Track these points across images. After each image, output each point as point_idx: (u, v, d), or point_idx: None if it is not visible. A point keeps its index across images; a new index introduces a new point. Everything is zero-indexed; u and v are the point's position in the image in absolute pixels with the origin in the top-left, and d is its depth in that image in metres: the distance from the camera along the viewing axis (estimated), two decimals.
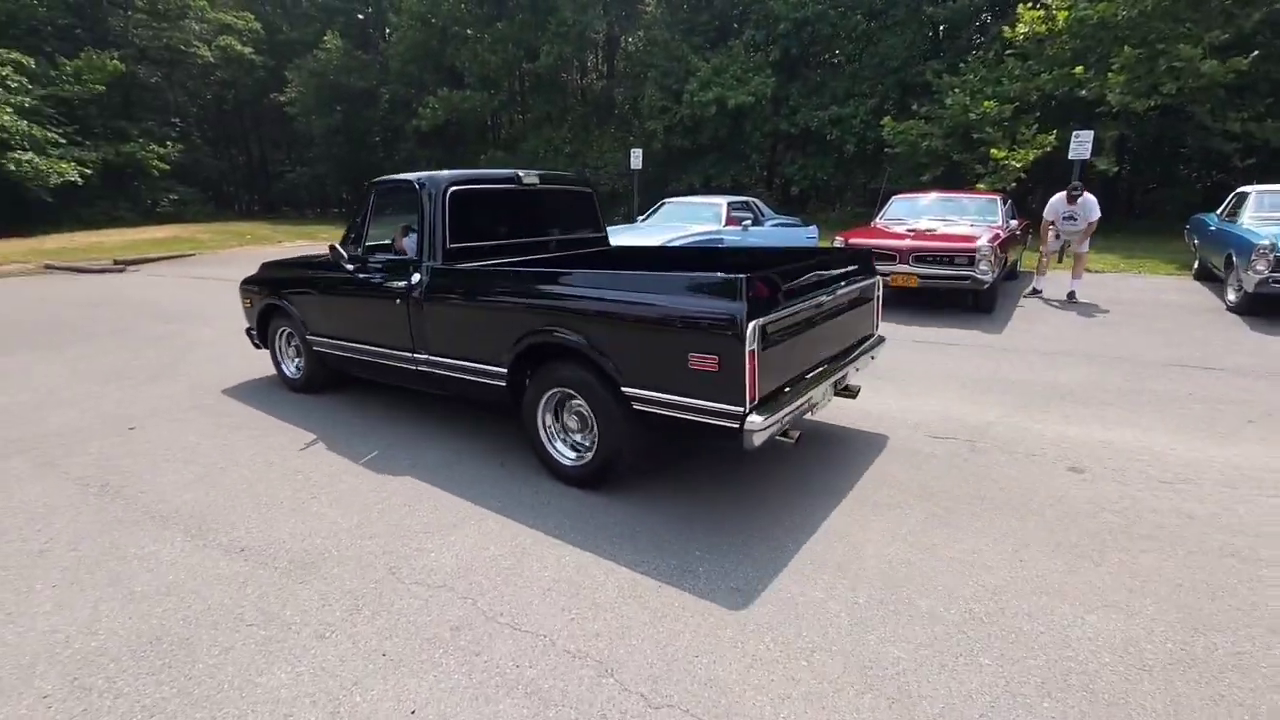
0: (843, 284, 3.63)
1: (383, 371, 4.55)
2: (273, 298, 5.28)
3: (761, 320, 2.76)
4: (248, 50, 32.43)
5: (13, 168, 19.78)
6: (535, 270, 3.75)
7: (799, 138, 23.07)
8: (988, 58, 17.96)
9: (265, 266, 5.61)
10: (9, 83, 20.46)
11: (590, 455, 3.42)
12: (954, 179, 16.88)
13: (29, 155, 20.44)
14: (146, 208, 28.50)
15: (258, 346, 5.74)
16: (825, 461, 3.77)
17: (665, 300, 2.97)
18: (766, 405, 2.87)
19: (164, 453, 4.07)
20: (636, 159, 16.87)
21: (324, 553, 2.90)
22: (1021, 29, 15.68)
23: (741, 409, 2.75)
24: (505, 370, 3.61)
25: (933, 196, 9.88)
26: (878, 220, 9.53)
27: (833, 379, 3.46)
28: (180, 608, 2.52)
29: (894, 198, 10.01)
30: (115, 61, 25.17)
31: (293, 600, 2.56)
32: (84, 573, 2.76)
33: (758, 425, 2.74)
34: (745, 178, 23.48)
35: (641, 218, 11.42)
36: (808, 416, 3.41)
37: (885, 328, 4.61)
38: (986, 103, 15.84)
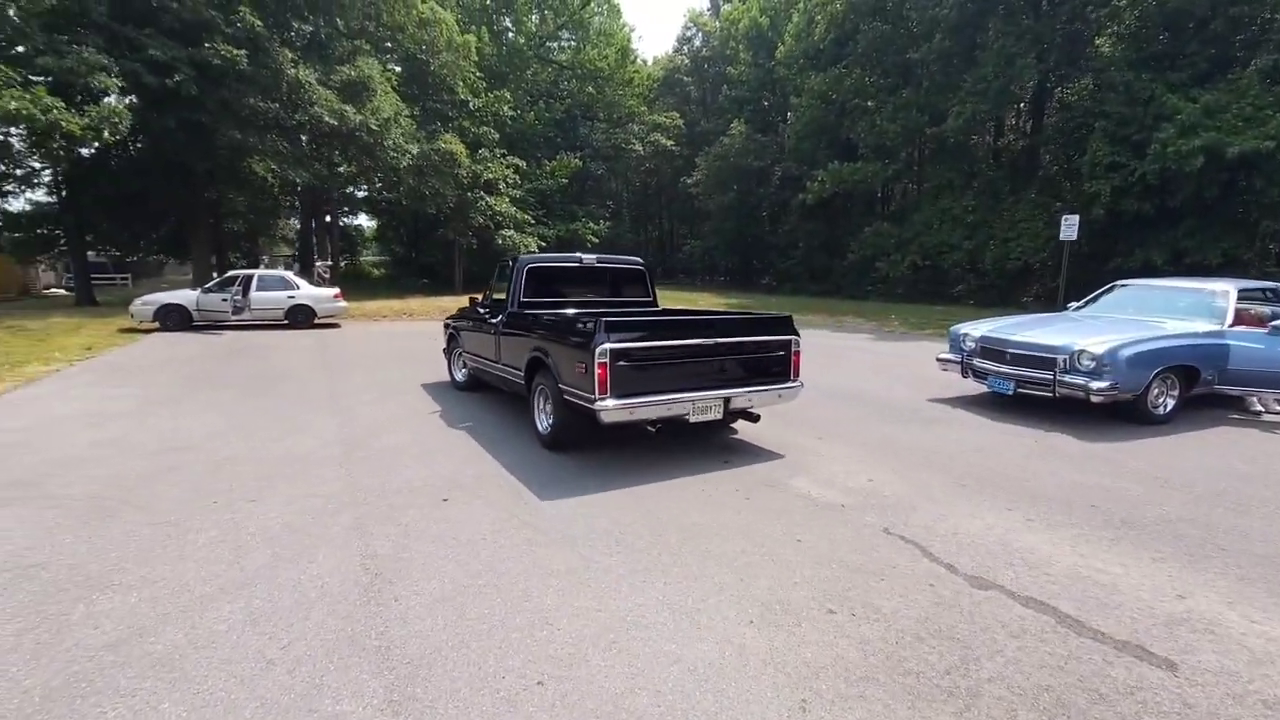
0: (725, 335, 5.19)
1: (488, 376, 7.00)
2: (453, 329, 8.21)
3: (609, 345, 4.56)
4: (670, 143, 37.90)
5: (500, 241, 26.40)
6: (533, 315, 5.93)
7: None
8: None
9: (457, 310, 8.40)
10: (508, 180, 27.58)
11: (550, 428, 5.37)
12: None
13: (511, 232, 27.08)
14: None
15: (448, 360, 8.48)
16: None
17: (571, 333, 5.01)
18: (618, 399, 4.61)
19: (450, 541, 3.67)
20: (1070, 228, 13.20)
21: None
22: None
23: (594, 396, 4.58)
24: (523, 372, 5.72)
25: None
26: None
27: (714, 398, 5.02)
28: None
29: None
30: (576, 160, 31.98)
31: None
32: None
33: (606, 408, 4.56)
34: (1243, 252, 16.68)
35: (1076, 305, 8.36)
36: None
37: None
38: None
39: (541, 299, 6.56)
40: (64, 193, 20.86)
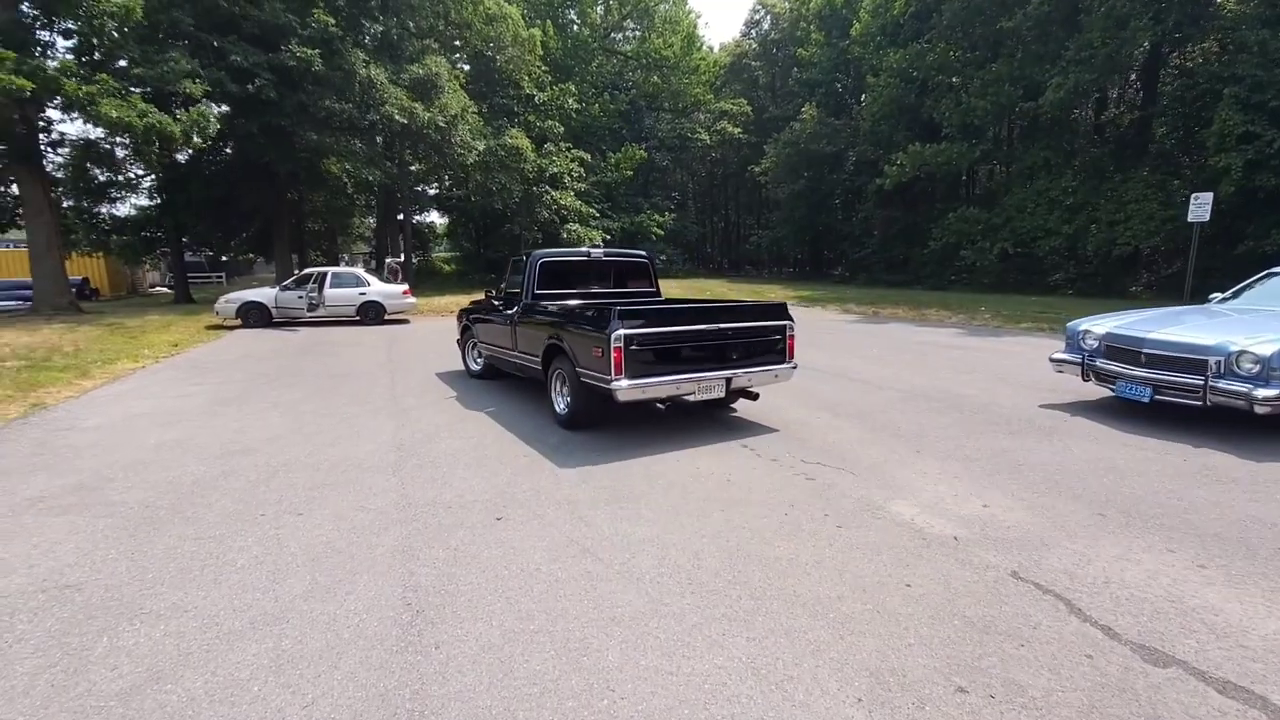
0: (726, 321, 5.61)
1: (505, 364, 7.42)
2: (467, 321, 8.64)
3: (622, 331, 5.02)
4: (737, 131, 36.82)
5: (565, 235, 26.32)
6: (549, 307, 6.47)
7: None
8: None
9: (469, 304, 9.01)
10: (573, 174, 27.42)
11: (568, 409, 5.86)
12: None
13: (576, 226, 26.94)
14: None
15: (462, 351, 8.95)
16: None
17: (588, 321, 5.48)
18: (631, 379, 5.07)
19: (501, 572, 3.27)
20: (1201, 207, 11.62)
21: None
22: None
23: (609, 377, 5.04)
24: (540, 358, 6.23)
25: None
26: None
27: (717, 378, 5.45)
28: None
29: None
30: (642, 152, 31.51)
31: None
32: None
33: (621, 387, 5.04)
34: None
35: (1221, 296, 7.19)
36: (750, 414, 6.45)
37: None
38: None
39: (553, 290, 7.02)
40: (163, 197, 22.19)
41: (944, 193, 29.63)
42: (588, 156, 28.90)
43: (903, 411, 6.57)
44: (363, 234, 42.84)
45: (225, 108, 19.43)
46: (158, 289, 34.69)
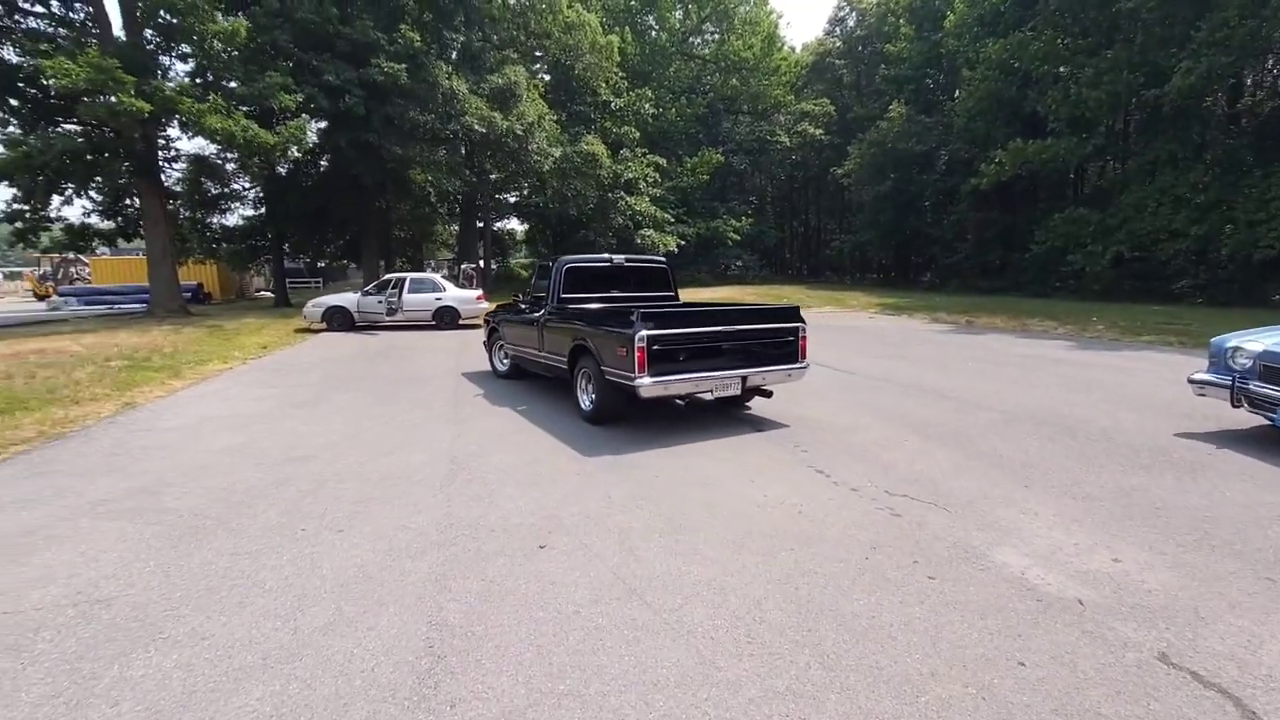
0: (742, 323, 5.97)
1: (531, 364, 7.85)
2: (494, 324, 8.96)
3: (645, 332, 5.34)
4: (819, 132, 35.56)
5: (639, 240, 26.13)
6: (575, 310, 7.01)
7: None
8: None
9: (495, 308, 9.51)
10: (649, 179, 27.23)
11: (593, 405, 6.17)
12: None
13: (650, 232, 26.73)
14: (720, 271, 34.13)
15: (489, 352, 9.28)
16: None
17: (613, 323, 5.77)
18: (654, 377, 5.38)
19: (536, 612, 2.92)
20: None
21: None
22: None
23: (633, 375, 5.36)
24: (566, 358, 6.59)
25: None
26: None
27: (734, 376, 5.76)
28: None
29: None
30: (719, 156, 30.96)
31: None
32: None
33: (644, 384, 5.34)
34: None
35: None
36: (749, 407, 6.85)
37: None
38: None
39: (577, 294, 7.36)
40: (265, 208, 23.73)
41: (1048, 192, 27.35)
42: (663, 161, 28.68)
43: (1004, 436, 5.79)
44: (446, 241, 44.44)
45: (322, 123, 20.54)
46: (262, 293, 37.25)
